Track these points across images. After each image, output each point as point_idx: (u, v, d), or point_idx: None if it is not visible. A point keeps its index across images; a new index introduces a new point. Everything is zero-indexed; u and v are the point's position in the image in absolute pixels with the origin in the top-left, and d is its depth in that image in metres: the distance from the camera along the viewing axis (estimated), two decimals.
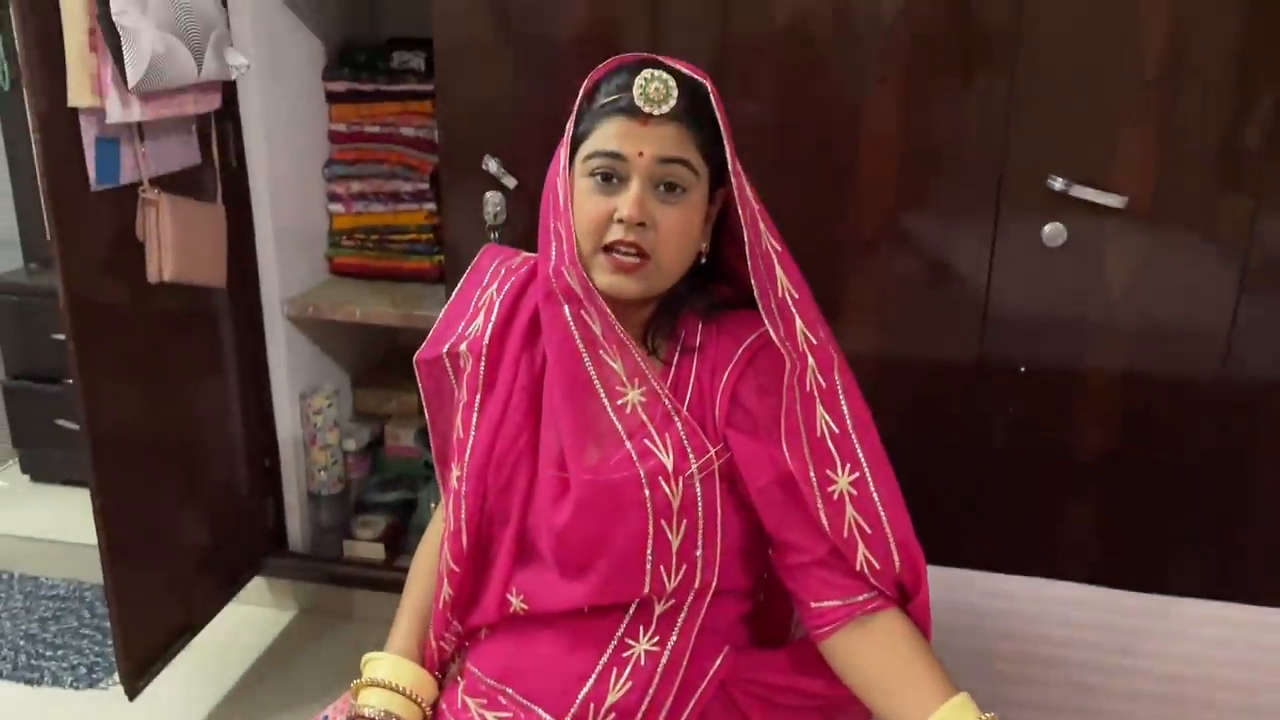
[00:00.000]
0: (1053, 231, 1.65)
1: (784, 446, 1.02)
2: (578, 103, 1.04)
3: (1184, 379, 1.69)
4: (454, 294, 1.20)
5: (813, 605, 1.04)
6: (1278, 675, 1.31)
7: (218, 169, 1.89)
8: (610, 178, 1.01)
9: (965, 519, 1.81)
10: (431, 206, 2.16)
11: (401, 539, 2.24)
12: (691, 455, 1.03)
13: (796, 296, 1.02)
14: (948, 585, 1.40)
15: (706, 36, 1.69)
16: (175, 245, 1.73)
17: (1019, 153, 1.63)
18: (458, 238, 1.83)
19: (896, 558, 1.03)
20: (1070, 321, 1.70)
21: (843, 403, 1.02)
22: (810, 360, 1.01)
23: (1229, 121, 1.57)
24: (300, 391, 2.19)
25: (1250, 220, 1.61)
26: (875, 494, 1.02)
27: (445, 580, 1.11)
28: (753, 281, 1.01)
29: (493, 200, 1.78)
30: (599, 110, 1.01)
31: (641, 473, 1.02)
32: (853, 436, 1.02)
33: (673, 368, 1.08)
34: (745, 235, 1.00)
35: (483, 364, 1.10)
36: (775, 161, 1.69)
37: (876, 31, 1.62)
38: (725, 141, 1.02)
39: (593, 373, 1.04)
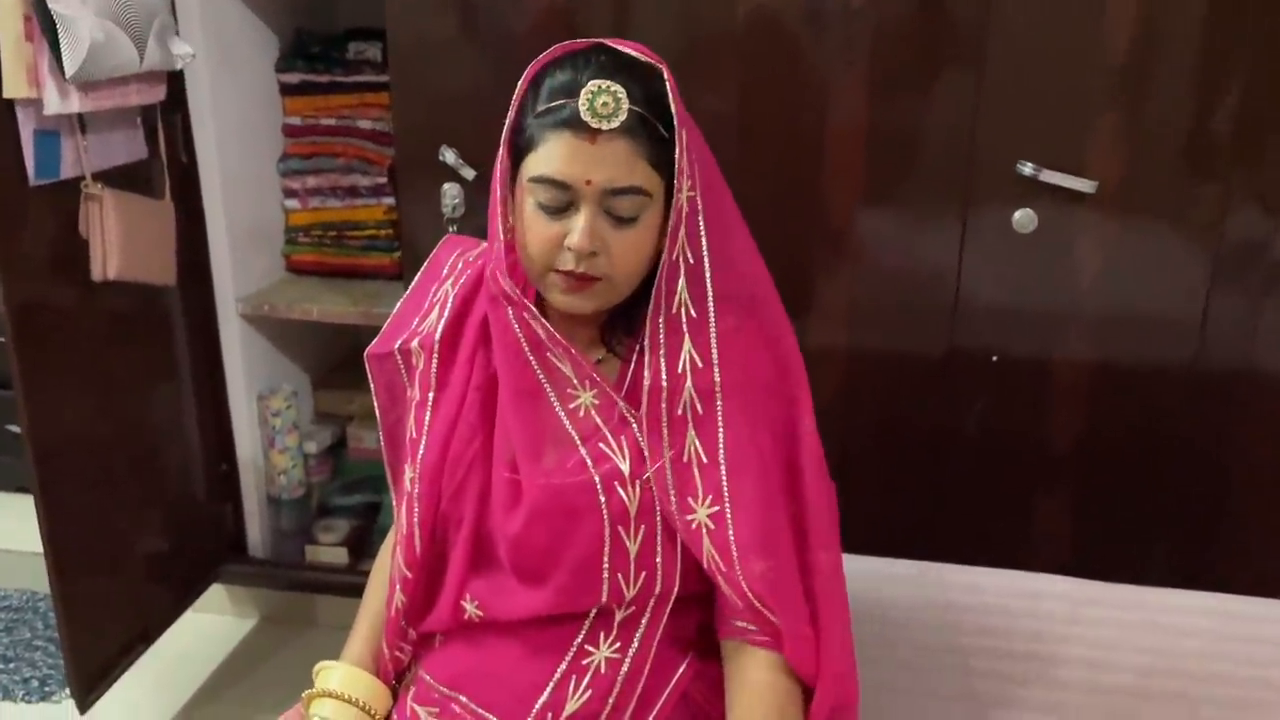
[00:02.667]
0: (1023, 218, 1.62)
1: (646, 461, 0.98)
2: (520, 92, 0.98)
3: (1156, 368, 1.67)
4: (410, 287, 1.15)
5: (717, 609, 1.01)
6: (1249, 665, 1.29)
7: (165, 163, 1.82)
8: (557, 207, 0.95)
9: (936, 511, 1.78)
10: (390, 201, 2.11)
11: (365, 543, 2.18)
12: (649, 458, 0.99)
13: (694, 315, 0.96)
14: (919, 579, 1.37)
15: (669, 26, 1.65)
16: (120, 242, 1.66)
17: (988, 138, 1.61)
18: (415, 232, 1.78)
19: (766, 612, 0.96)
20: (1041, 310, 1.67)
21: (720, 434, 0.97)
22: (688, 383, 0.96)
23: (1199, 107, 1.56)
24: (257, 393, 2.13)
25: (1222, 207, 1.59)
26: (732, 535, 0.96)
27: (398, 586, 1.06)
28: (653, 290, 0.97)
29: (451, 192, 1.73)
30: (543, 118, 0.94)
31: (596, 478, 0.98)
32: (721, 469, 0.96)
33: (631, 366, 1.03)
34: (666, 242, 0.95)
35: (434, 361, 1.06)
36: (740, 154, 1.65)
37: (842, 18, 1.59)
38: (677, 135, 0.95)
39: (542, 376, 1.00)
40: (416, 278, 1.15)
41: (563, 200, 0.94)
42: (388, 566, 1.13)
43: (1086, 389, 1.70)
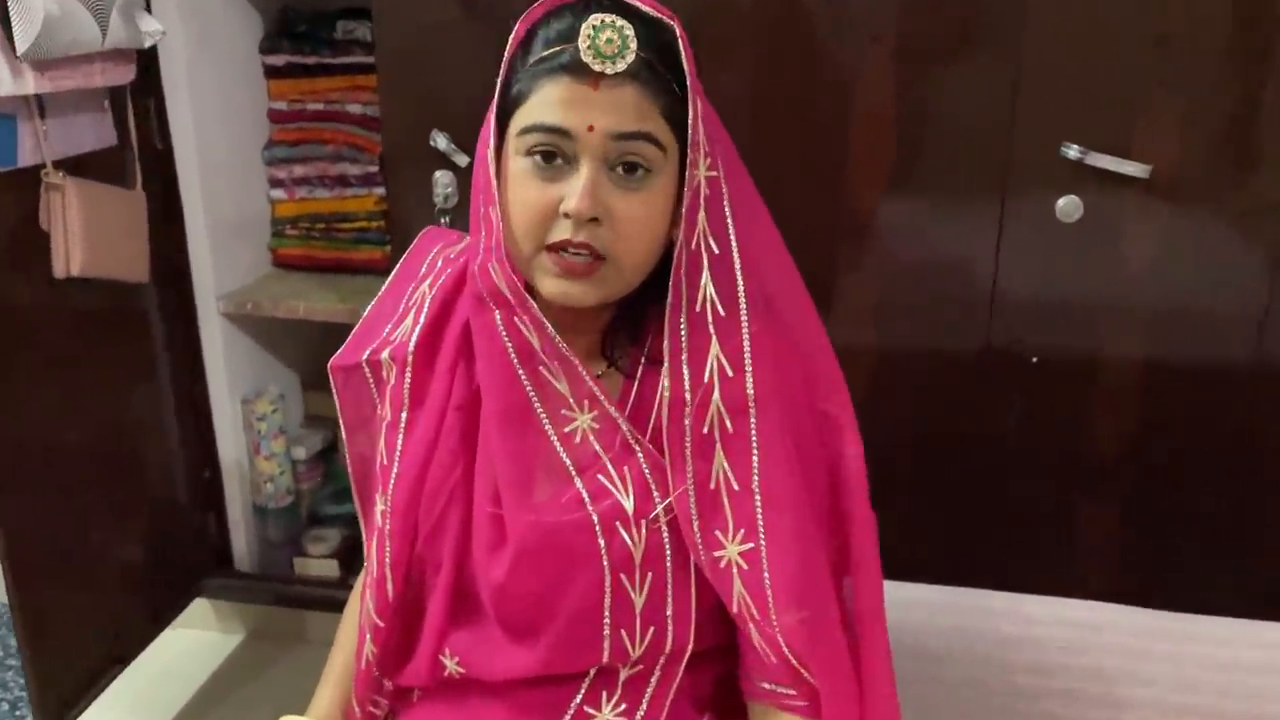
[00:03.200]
0: (1067, 205, 1.48)
1: (670, 485, 0.85)
2: (508, 54, 0.85)
3: (1212, 367, 1.53)
4: (384, 287, 1.02)
5: (743, 664, 0.88)
6: None
7: (136, 150, 1.69)
8: (553, 158, 0.80)
9: (970, 525, 1.65)
10: (382, 191, 1.97)
11: (358, 555, 2.05)
12: (656, 494, 0.85)
13: (722, 315, 0.83)
14: (957, 608, 1.23)
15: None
16: (84, 235, 1.54)
17: (1029, 119, 1.47)
18: (406, 224, 1.64)
19: (804, 671, 0.83)
20: (1086, 305, 1.54)
21: (754, 456, 0.83)
22: (715, 395, 0.83)
23: (1262, 83, 1.41)
24: (242, 396, 2.01)
25: None
26: (767, 577, 0.82)
27: (369, 635, 0.93)
28: (670, 285, 0.83)
29: (443, 180, 1.60)
30: (536, 67, 0.81)
31: (594, 516, 0.84)
32: (756, 498, 0.83)
33: (636, 382, 0.90)
34: (681, 227, 0.82)
35: (408, 375, 0.92)
36: (753, 138, 1.50)
37: None
38: (690, 100, 0.82)
39: (532, 394, 0.86)
40: (392, 276, 1.01)
41: (559, 148, 0.80)
42: (359, 611, 1.00)
43: (1136, 390, 1.56)
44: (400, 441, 0.92)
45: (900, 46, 1.47)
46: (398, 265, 1.02)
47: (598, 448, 0.86)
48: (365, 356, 0.96)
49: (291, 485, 2.11)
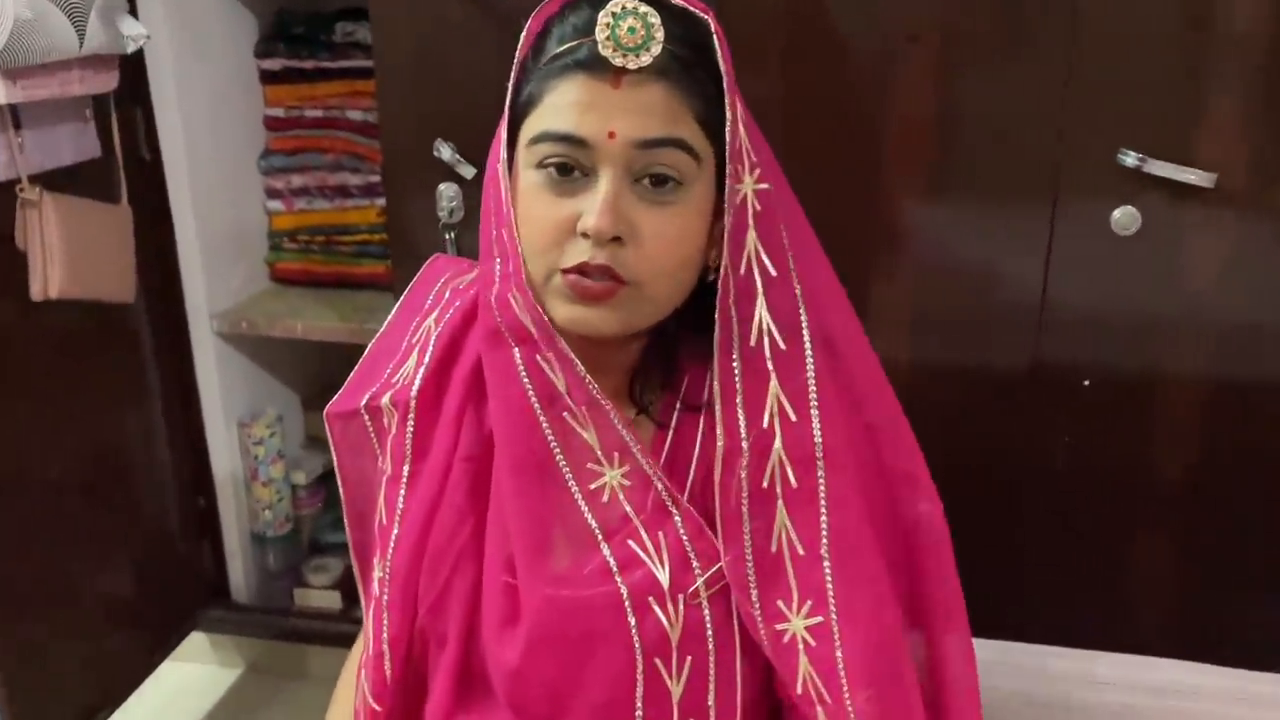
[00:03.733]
0: (1124, 217, 1.37)
1: (693, 566, 0.74)
2: (520, 53, 0.74)
3: None
4: (387, 322, 0.91)
5: None
6: None
7: (121, 162, 1.59)
8: (568, 170, 0.70)
9: (1016, 564, 1.53)
10: (384, 202, 1.87)
11: None
12: (696, 564, 0.74)
13: (783, 350, 0.72)
14: (1018, 669, 1.12)
15: None
16: (64, 255, 1.43)
17: (1082, 122, 1.35)
18: (407, 239, 1.54)
19: None
20: (1144, 324, 1.42)
21: (822, 516, 0.72)
22: (776, 443, 0.72)
23: None
24: (238, 419, 1.91)
25: None
26: (840, 656, 0.71)
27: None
28: (716, 317, 0.72)
29: (447, 193, 1.49)
30: (549, 66, 0.71)
31: (624, 590, 0.73)
32: (825, 565, 0.72)
33: (670, 432, 0.79)
34: (725, 248, 0.71)
35: (411, 423, 0.81)
36: (784, 142, 1.39)
37: None
38: (727, 101, 0.71)
39: (555, 444, 0.75)
40: (395, 310, 0.90)
41: (576, 159, 0.70)
42: (352, 685, 0.89)
43: (1198, 414, 1.45)
44: (401, 498, 0.82)
45: (941, 45, 1.36)
46: (402, 297, 0.92)
47: (628, 509, 0.75)
48: (364, 402, 0.85)
49: (290, 512, 2.01)
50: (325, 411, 0.88)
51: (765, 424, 0.72)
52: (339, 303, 1.89)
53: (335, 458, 0.89)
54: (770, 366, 0.72)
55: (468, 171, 1.47)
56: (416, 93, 1.50)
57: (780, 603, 0.72)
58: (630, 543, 0.75)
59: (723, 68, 0.72)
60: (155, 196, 1.72)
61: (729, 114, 0.71)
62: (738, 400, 0.72)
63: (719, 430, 0.73)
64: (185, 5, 1.70)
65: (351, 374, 0.89)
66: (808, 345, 0.72)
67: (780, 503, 0.72)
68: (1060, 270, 1.42)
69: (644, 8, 0.68)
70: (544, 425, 0.75)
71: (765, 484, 0.72)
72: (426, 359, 0.82)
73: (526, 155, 0.72)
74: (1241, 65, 1.30)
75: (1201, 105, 1.33)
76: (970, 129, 1.39)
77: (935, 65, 1.37)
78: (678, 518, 0.75)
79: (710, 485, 0.75)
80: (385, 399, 0.83)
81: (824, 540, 0.72)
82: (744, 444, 0.72)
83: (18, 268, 1.44)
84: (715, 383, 0.73)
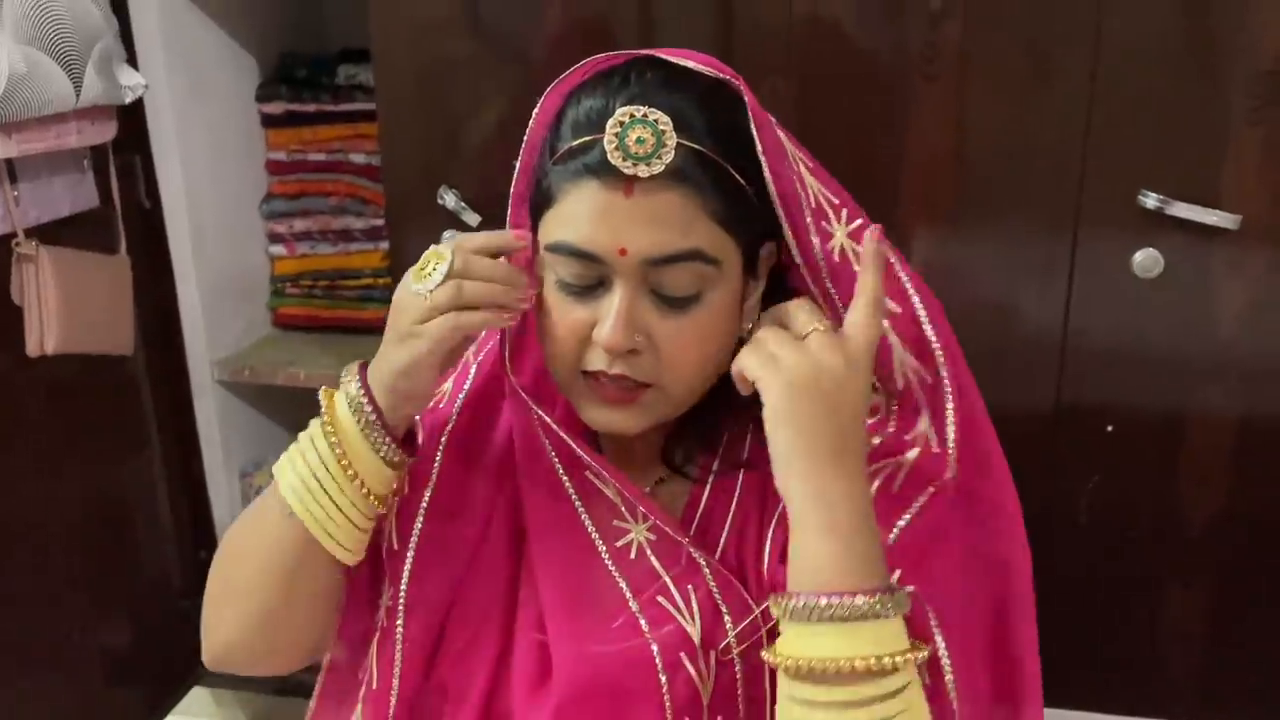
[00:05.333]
0: (1146, 260, 1.33)
1: (725, 621, 0.73)
2: (538, 131, 0.72)
3: None
4: None
5: None
6: None
7: (120, 211, 1.56)
8: (585, 286, 0.69)
9: (1040, 614, 1.48)
10: (389, 245, 1.84)
11: None
12: (728, 618, 0.72)
13: (929, 381, 0.72)
14: None
15: (706, 33, 1.37)
16: (60, 310, 1.41)
17: (1102, 163, 1.33)
18: None
19: None
20: (1169, 368, 1.39)
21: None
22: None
23: None
24: (240, 469, 1.88)
25: None
26: (952, 693, 0.68)
27: None
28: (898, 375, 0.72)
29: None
30: (563, 165, 0.68)
31: (654, 647, 0.71)
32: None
33: (707, 488, 0.77)
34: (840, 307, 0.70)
35: (441, 450, 0.78)
36: None
37: (922, 21, 1.31)
38: (769, 173, 0.68)
39: (577, 502, 0.75)
40: None
41: (589, 277, 0.68)
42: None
43: (1228, 463, 1.40)
44: (418, 527, 0.78)
45: (960, 80, 1.33)
46: None
47: (656, 564, 0.73)
48: None
49: None
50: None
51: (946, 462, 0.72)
52: (342, 348, 1.85)
53: None
54: (921, 402, 0.72)
55: (472, 219, 1.44)
56: (419, 135, 1.48)
57: None
58: (660, 599, 0.73)
59: (757, 138, 0.68)
60: (155, 244, 1.70)
61: (772, 185, 0.68)
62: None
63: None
64: (186, 50, 1.68)
65: None
66: (945, 377, 0.72)
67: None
68: (1081, 312, 1.39)
69: (654, 114, 0.65)
70: (566, 483, 0.75)
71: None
72: (466, 388, 0.80)
73: (546, 257, 0.70)
74: (1265, 104, 1.27)
75: (1224, 146, 1.30)
76: (989, 167, 1.36)
77: (955, 101, 1.35)
78: (707, 572, 0.73)
79: (745, 541, 0.74)
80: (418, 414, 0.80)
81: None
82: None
83: (14, 319, 1.41)
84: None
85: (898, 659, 0.60)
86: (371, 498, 0.73)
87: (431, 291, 0.68)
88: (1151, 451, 1.42)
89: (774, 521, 0.74)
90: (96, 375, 1.60)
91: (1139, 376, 1.40)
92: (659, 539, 0.73)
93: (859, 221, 0.71)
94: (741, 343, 0.70)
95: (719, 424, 0.77)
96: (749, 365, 0.65)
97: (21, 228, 1.38)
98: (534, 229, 0.72)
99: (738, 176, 0.68)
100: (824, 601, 0.60)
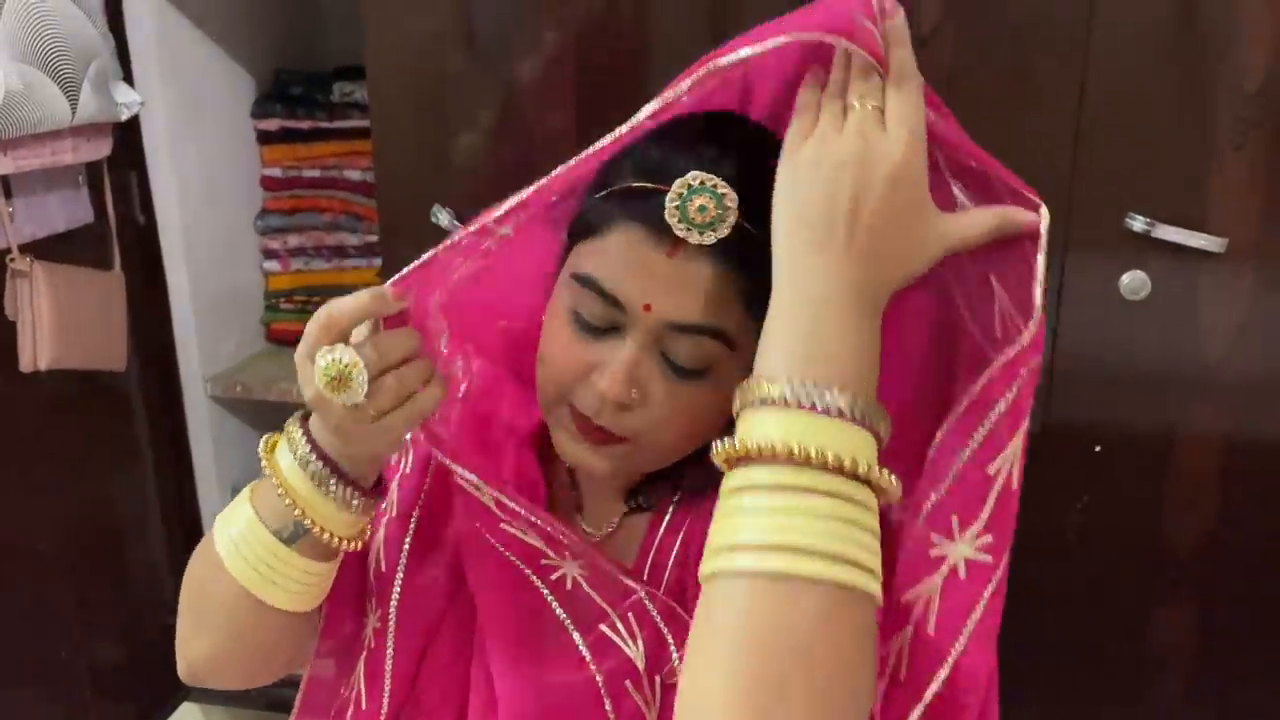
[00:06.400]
0: (1133, 282, 1.34)
1: (670, 646, 0.70)
2: (614, 142, 0.64)
3: None
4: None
5: None
6: None
7: (114, 227, 1.57)
8: (599, 326, 0.66)
9: (1027, 634, 1.49)
10: (382, 262, 1.85)
11: None
12: (673, 642, 0.71)
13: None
14: None
15: (699, 53, 1.38)
16: (54, 326, 1.41)
17: (1089, 185, 1.33)
18: None
19: None
20: (1156, 388, 1.39)
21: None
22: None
23: None
24: (232, 484, 1.88)
25: None
26: (981, 606, 0.61)
27: None
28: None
29: None
30: (614, 203, 0.65)
31: (599, 677, 0.71)
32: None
33: (666, 519, 0.76)
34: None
35: (430, 469, 0.78)
36: None
37: (914, 46, 1.32)
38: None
39: (502, 549, 0.73)
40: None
41: (606, 319, 0.66)
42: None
43: (1215, 483, 1.41)
44: (406, 546, 0.77)
45: (947, 102, 1.34)
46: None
47: (594, 596, 0.72)
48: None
49: None
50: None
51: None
52: None
53: None
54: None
55: None
56: (413, 152, 1.48)
57: (955, 518, 0.60)
58: (602, 627, 0.72)
59: None
60: (149, 260, 1.71)
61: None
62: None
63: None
64: (181, 67, 1.69)
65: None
66: None
67: None
68: (1069, 334, 1.39)
69: (723, 187, 0.62)
70: (502, 524, 0.72)
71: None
72: (460, 394, 0.79)
73: (568, 284, 0.68)
74: (1255, 125, 1.28)
75: (1210, 169, 1.31)
76: None
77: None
78: (647, 601, 0.72)
79: (688, 568, 0.72)
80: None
81: None
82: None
83: (8, 334, 1.42)
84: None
85: (867, 468, 0.53)
86: (337, 541, 0.69)
87: (366, 399, 0.63)
88: (1139, 472, 1.42)
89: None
90: (90, 390, 1.61)
91: (1127, 397, 1.40)
92: (592, 572, 0.72)
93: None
94: (731, 424, 0.63)
95: (685, 468, 0.75)
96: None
97: (16, 243, 1.39)
98: (564, 251, 0.70)
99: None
100: (787, 388, 0.54)
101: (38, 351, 1.41)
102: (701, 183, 0.62)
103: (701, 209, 0.62)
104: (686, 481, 0.76)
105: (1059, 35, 1.30)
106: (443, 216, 1.45)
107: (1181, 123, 1.30)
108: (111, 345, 1.54)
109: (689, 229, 0.62)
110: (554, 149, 1.42)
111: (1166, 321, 1.36)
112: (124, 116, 1.46)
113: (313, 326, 0.64)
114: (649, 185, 0.64)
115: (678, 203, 0.62)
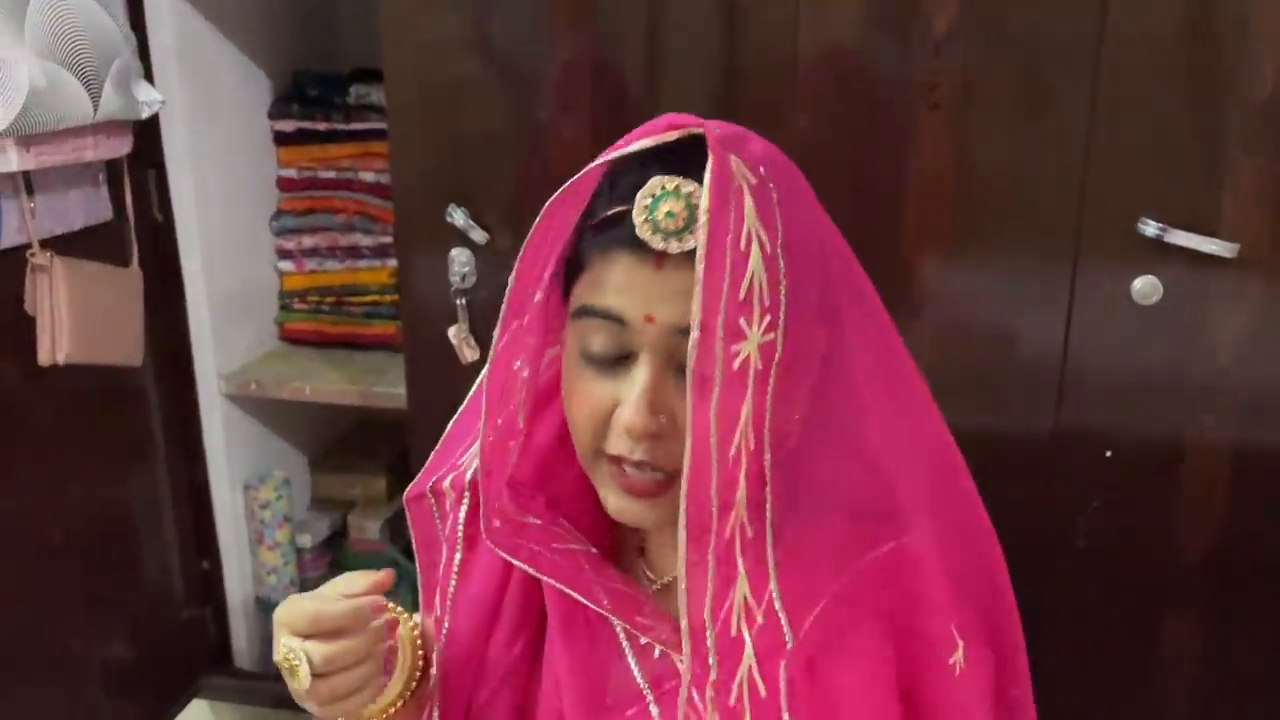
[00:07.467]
0: (1145, 287, 1.34)
1: None
2: (588, 177, 0.66)
3: None
4: (468, 398, 0.84)
5: None
6: None
7: (133, 224, 1.58)
8: (611, 356, 0.66)
9: (1036, 640, 1.48)
10: (396, 263, 1.86)
11: None
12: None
13: None
14: None
15: (712, 61, 1.40)
16: (73, 320, 1.42)
17: (1102, 190, 1.34)
18: (418, 303, 1.52)
19: None
20: (1168, 394, 1.39)
21: None
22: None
23: None
24: (244, 481, 1.88)
25: None
26: None
27: None
28: None
29: (459, 259, 1.47)
30: (595, 237, 0.66)
31: None
32: None
33: None
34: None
35: (464, 510, 0.78)
36: None
37: (924, 49, 1.33)
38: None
39: (606, 600, 0.71)
40: (474, 388, 0.84)
41: (616, 345, 0.66)
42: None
43: (1226, 489, 1.41)
44: (452, 588, 0.79)
45: (962, 113, 1.35)
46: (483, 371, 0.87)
47: (679, 664, 0.69)
48: (429, 485, 0.81)
49: (295, 576, 1.98)
50: (405, 495, 0.84)
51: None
52: (348, 364, 1.87)
53: (413, 541, 0.84)
54: None
55: (480, 237, 1.46)
56: (429, 155, 1.49)
57: None
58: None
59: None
60: (166, 258, 1.72)
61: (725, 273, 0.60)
62: None
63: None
64: (201, 67, 1.71)
65: (431, 455, 0.84)
66: None
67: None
68: (1080, 339, 1.39)
69: (687, 186, 0.61)
70: (586, 568, 0.73)
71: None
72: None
73: (572, 327, 0.69)
74: (1264, 133, 1.29)
75: (1223, 174, 1.31)
76: (990, 195, 1.37)
77: (954, 128, 1.36)
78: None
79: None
80: (447, 481, 0.79)
81: None
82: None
83: (26, 329, 1.43)
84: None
85: None
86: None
87: (308, 690, 0.73)
88: (1150, 477, 1.42)
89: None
90: (106, 385, 1.61)
91: (1138, 402, 1.40)
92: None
93: (770, 337, 0.61)
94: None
95: None
96: None
97: (36, 239, 1.40)
98: (564, 299, 0.70)
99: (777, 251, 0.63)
100: None
101: (56, 346, 1.42)
102: (664, 187, 0.62)
103: (669, 214, 0.62)
104: None
105: (1071, 42, 1.31)
106: (458, 215, 1.46)
107: (1194, 128, 1.30)
108: (128, 341, 1.55)
109: (665, 239, 0.62)
110: (568, 153, 1.43)
111: (1178, 327, 1.36)
112: (145, 114, 1.47)
113: (284, 612, 0.75)
114: (620, 209, 0.64)
115: (645, 215, 0.62)
